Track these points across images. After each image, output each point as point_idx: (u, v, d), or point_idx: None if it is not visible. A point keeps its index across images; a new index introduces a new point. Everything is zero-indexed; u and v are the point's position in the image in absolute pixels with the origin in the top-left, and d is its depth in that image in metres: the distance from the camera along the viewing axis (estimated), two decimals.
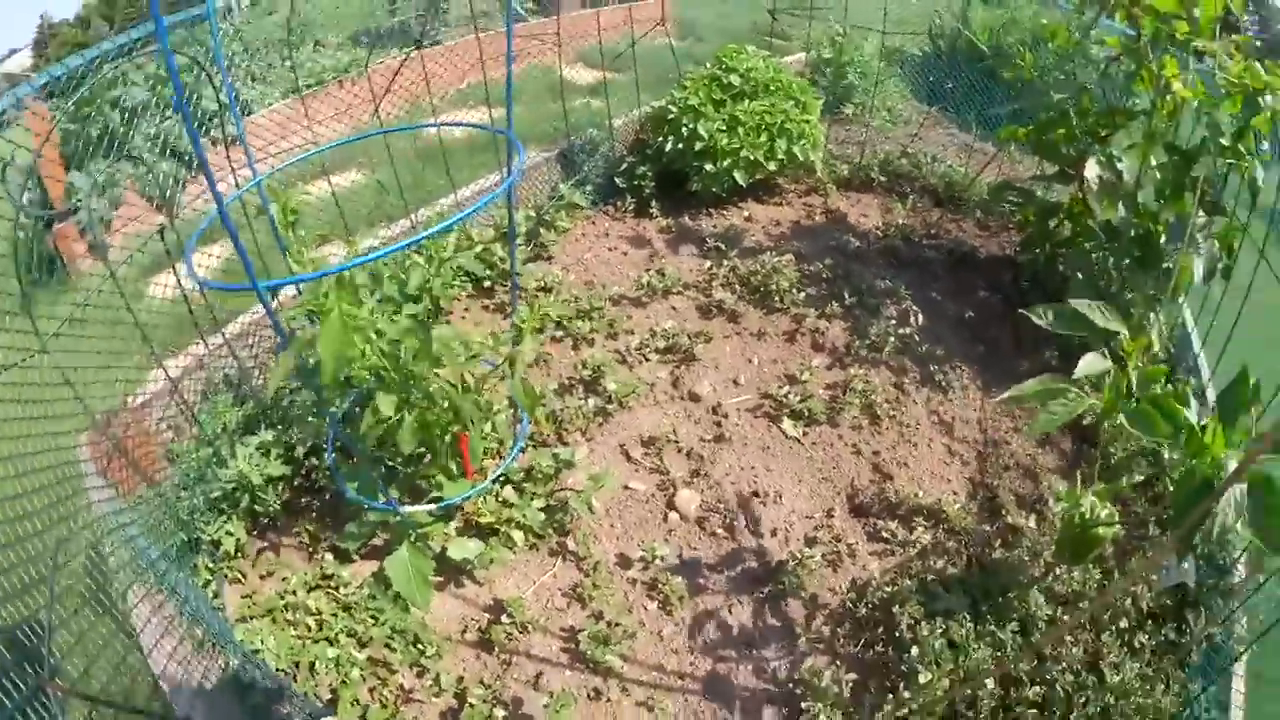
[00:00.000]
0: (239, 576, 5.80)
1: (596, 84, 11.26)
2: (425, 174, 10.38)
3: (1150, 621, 5.22)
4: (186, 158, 9.85)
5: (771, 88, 9.27)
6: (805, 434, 6.67)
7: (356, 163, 10.99)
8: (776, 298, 7.79)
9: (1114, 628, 5.12)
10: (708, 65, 9.71)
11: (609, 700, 5.12)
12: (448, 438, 5.43)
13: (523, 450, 6.22)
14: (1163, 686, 4.78)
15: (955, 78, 11.76)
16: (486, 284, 8.17)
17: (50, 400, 4.87)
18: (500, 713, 4.97)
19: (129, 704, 4.02)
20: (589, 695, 5.17)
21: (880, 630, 5.31)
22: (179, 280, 6.05)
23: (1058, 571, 5.40)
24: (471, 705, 4.95)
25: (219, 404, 6.59)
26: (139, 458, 5.91)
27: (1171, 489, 5.80)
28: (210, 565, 5.74)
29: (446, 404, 5.11)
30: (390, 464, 5.97)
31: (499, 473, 5.90)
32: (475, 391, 5.24)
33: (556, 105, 9.88)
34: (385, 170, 8.73)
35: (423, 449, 5.59)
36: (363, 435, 5.12)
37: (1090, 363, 4.54)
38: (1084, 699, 4.69)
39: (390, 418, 4.73)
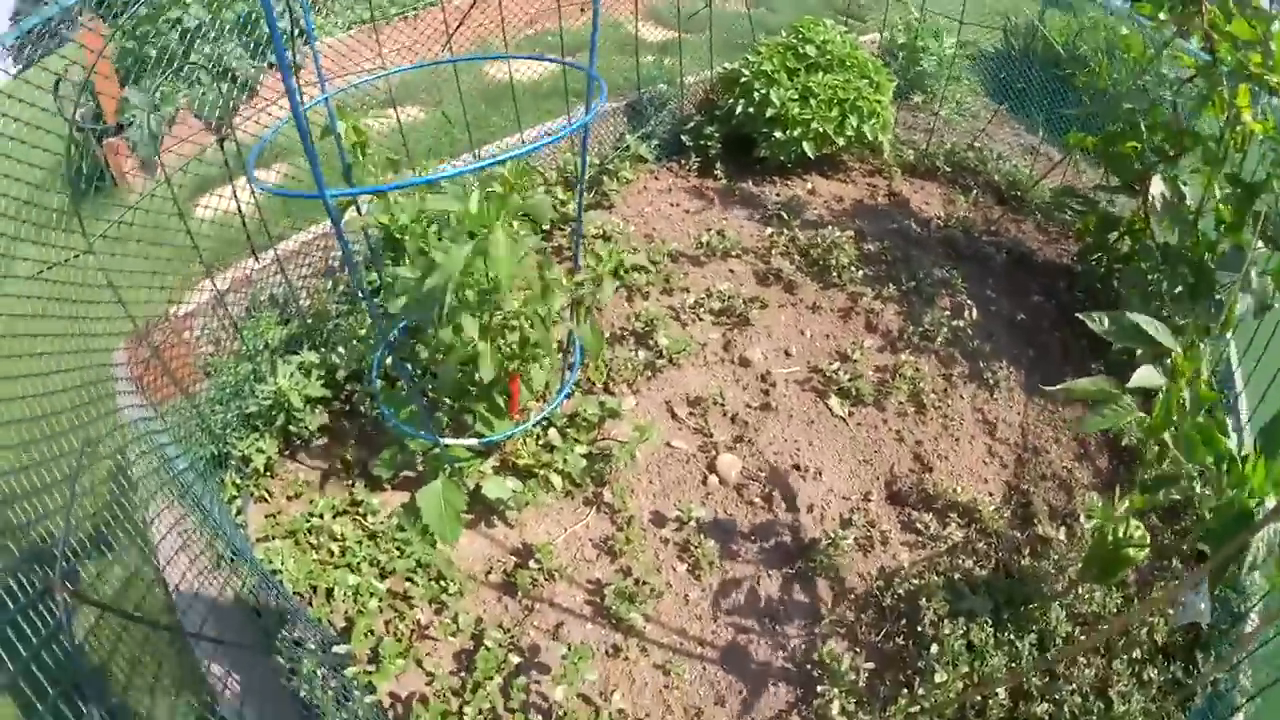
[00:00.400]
0: (265, 495, 5.71)
1: (666, 42, 11.11)
2: (489, 114, 10.19)
3: (1161, 656, 5.08)
4: (243, 81, 9.70)
5: (847, 63, 9.00)
6: (851, 413, 6.50)
7: (419, 98, 10.80)
8: (834, 273, 7.60)
9: (1126, 656, 4.99)
10: (782, 34, 9.44)
11: (627, 658, 5.00)
12: (504, 376, 5.28)
13: (568, 395, 6.04)
14: None
15: (1027, 78, 11.47)
16: (546, 226, 7.98)
17: (91, 302, 4.76)
18: (515, 659, 4.84)
19: (138, 614, 3.87)
20: (607, 651, 5.05)
21: (903, 622, 5.18)
22: (234, 194, 5.95)
23: (1080, 590, 5.25)
24: (487, 648, 4.83)
25: (263, 321, 6.46)
26: (176, 368, 5.79)
27: (1207, 519, 5.58)
28: (237, 482, 5.66)
29: (518, 335, 4.95)
30: (433, 396, 5.83)
31: (546, 413, 5.75)
32: (545, 327, 5.04)
33: (624, 59, 9.72)
34: (449, 106, 8.55)
35: (470, 384, 5.43)
36: (431, 358, 4.97)
37: (1146, 375, 4.36)
38: None
39: (473, 341, 4.53)
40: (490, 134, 9.30)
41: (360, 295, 4.20)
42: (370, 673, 4.64)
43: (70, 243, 4.62)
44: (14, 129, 4.31)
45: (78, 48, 7.65)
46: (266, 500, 5.72)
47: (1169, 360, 4.73)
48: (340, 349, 6.20)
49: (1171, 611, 5.02)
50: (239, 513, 5.55)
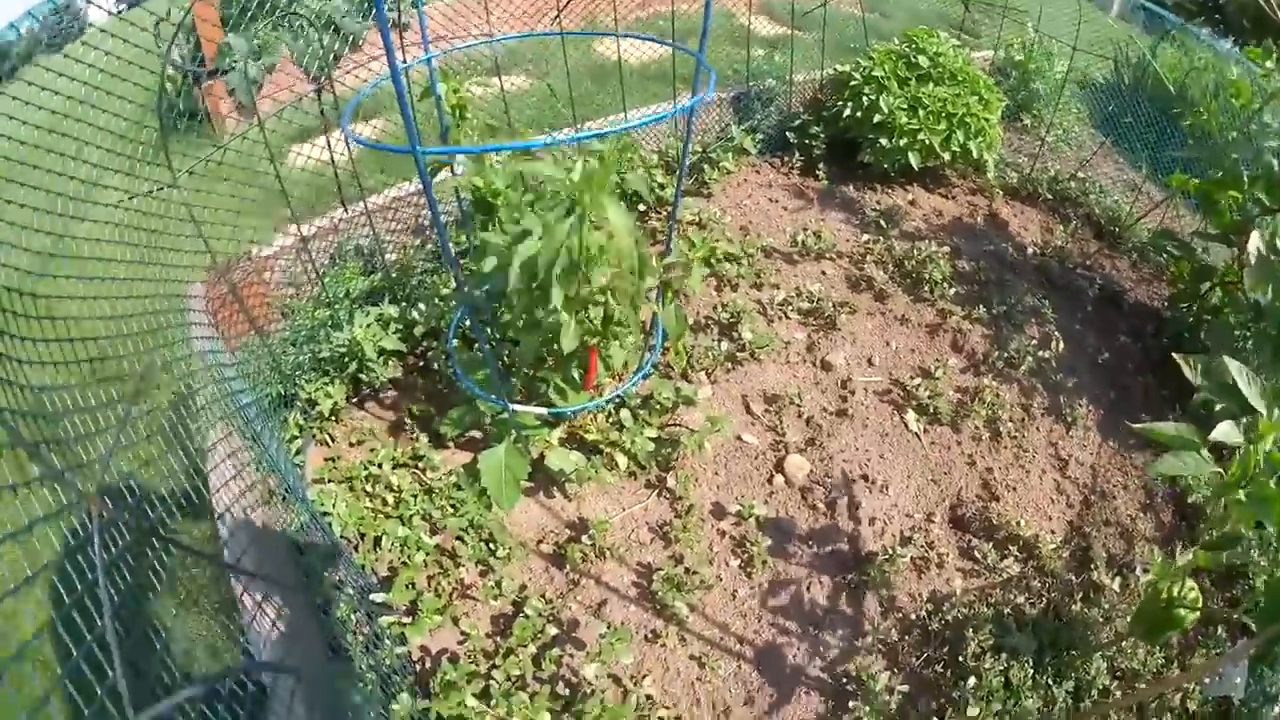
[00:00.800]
0: (327, 440, 5.68)
1: (777, 37, 10.92)
2: (594, 91, 10.07)
3: None
4: (346, 34, 9.65)
5: (958, 77, 8.80)
6: (926, 431, 6.32)
7: (525, 68, 10.69)
8: (926, 287, 7.41)
9: None
10: (895, 41, 9.24)
11: (664, 645, 4.90)
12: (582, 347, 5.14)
13: (645, 377, 5.93)
14: None
15: (1135, 112, 11.14)
16: (642, 208, 7.87)
17: (173, 234, 4.75)
18: (553, 630, 4.76)
19: (176, 536, 3.80)
20: (646, 636, 4.95)
21: (945, 649, 5.02)
22: (329, 144, 5.89)
23: (1124, 645, 5.08)
24: (526, 615, 4.74)
25: (347, 270, 6.44)
26: (253, 306, 5.77)
27: (1259, 591, 5.48)
28: (300, 423, 5.63)
29: (602, 311, 4.83)
30: (508, 362, 5.76)
31: (621, 391, 5.65)
32: (633, 305, 4.91)
33: (734, 50, 9.61)
34: (555, 79, 8.45)
35: (548, 353, 5.35)
36: (512, 324, 4.87)
37: (1227, 431, 4.14)
38: None
39: (556, 310, 4.38)
40: (594, 110, 9.22)
41: (445, 257, 4.07)
42: (405, 624, 4.57)
43: (159, 176, 4.59)
44: (114, 65, 4.30)
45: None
46: (328, 445, 5.68)
47: (1250, 419, 4.53)
48: (421, 305, 6.15)
49: (1207, 681, 4.85)
50: (298, 453, 5.52)
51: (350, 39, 9.65)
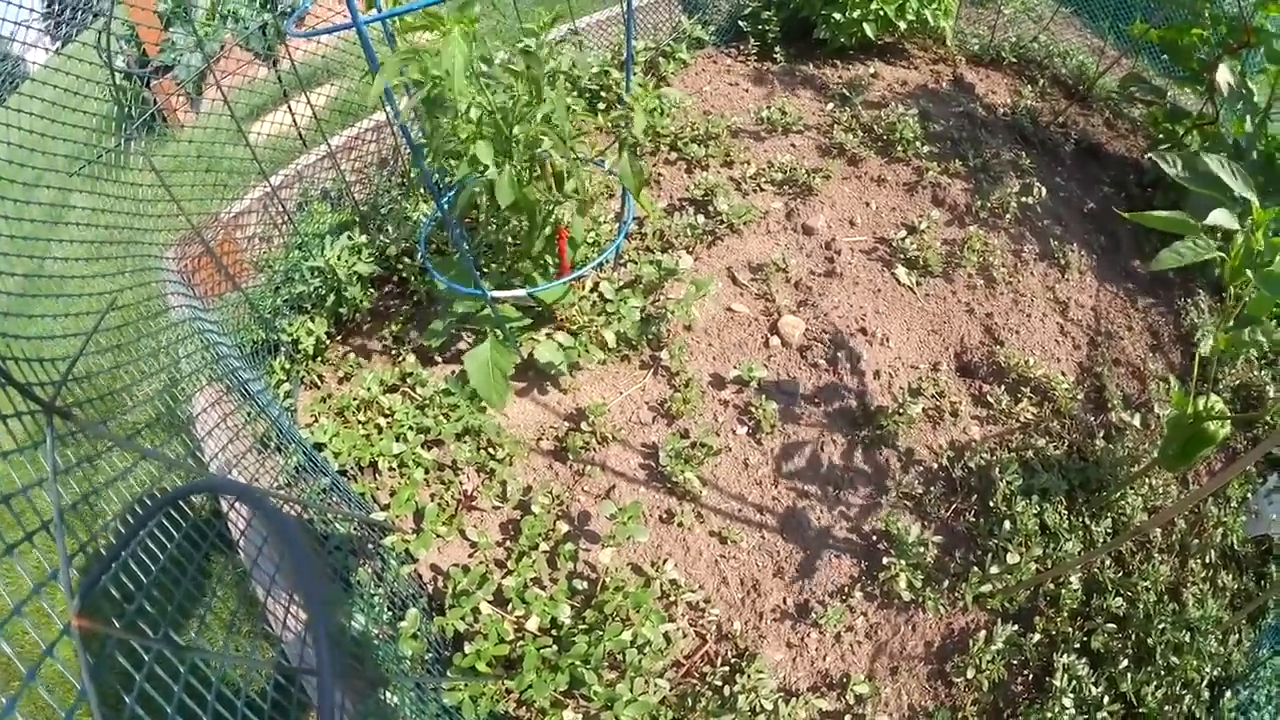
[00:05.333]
0: (316, 380, 5.53)
1: None
2: (541, 10, 9.86)
3: (1235, 564, 4.77)
4: (284, 8, 9.48)
5: None
6: (919, 284, 6.11)
7: None
8: (899, 148, 7.17)
9: (1202, 559, 4.69)
10: None
11: (681, 524, 4.69)
12: (547, 228, 4.93)
13: (619, 252, 5.77)
14: (1235, 637, 4.32)
15: None
16: (602, 107, 7.56)
17: (145, 215, 4.66)
18: (564, 526, 4.58)
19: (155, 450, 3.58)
20: (661, 517, 4.76)
21: (974, 498, 4.86)
22: (289, 107, 5.84)
23: (1155, 484, 4.94)
24: (534, 514, 4.56)
25: (315, 211, 6.32)
26: (229, 264, 5.69)
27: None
28: (287, 367, 5.47)
29: (550, 172, 4.63)
30: (482, 266, 5.52)
31: (598, 261, 5.41)
32: (581, 186, 4.69)
33: None
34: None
35: (516, 243, 5.16)
36: (466, 211, 4.66)
37: (1221, 216, 3.92)
38: (1163, 625, 4.23)
39: (487, 166, 4.17)
40: (543, 24, 8.97)
41: (406, 141, 3.92)
42: (409, 541, 4.36)
43: (129, 179, 4.57)
44: (65, 97, 4.18)
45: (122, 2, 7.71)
46: (317, 385, 5.52)
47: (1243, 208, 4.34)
48: (390, 227, 6.05)
49: (1244, 519, 4.76)
50: (288, 396, 5.34)
51: (293, 10, 9.42)
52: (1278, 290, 3.60)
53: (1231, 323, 4.10)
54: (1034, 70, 8.97)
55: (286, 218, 6.03)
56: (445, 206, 4.59)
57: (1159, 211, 4.08)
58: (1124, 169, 7.65)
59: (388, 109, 3.78)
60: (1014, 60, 9.04)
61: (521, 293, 4.99)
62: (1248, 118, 6.09)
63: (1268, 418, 5.27)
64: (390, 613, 4.08)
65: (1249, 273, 3.81)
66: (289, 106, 5.80)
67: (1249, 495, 4.99)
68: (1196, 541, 4.75)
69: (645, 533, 4.53)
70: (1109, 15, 9.87)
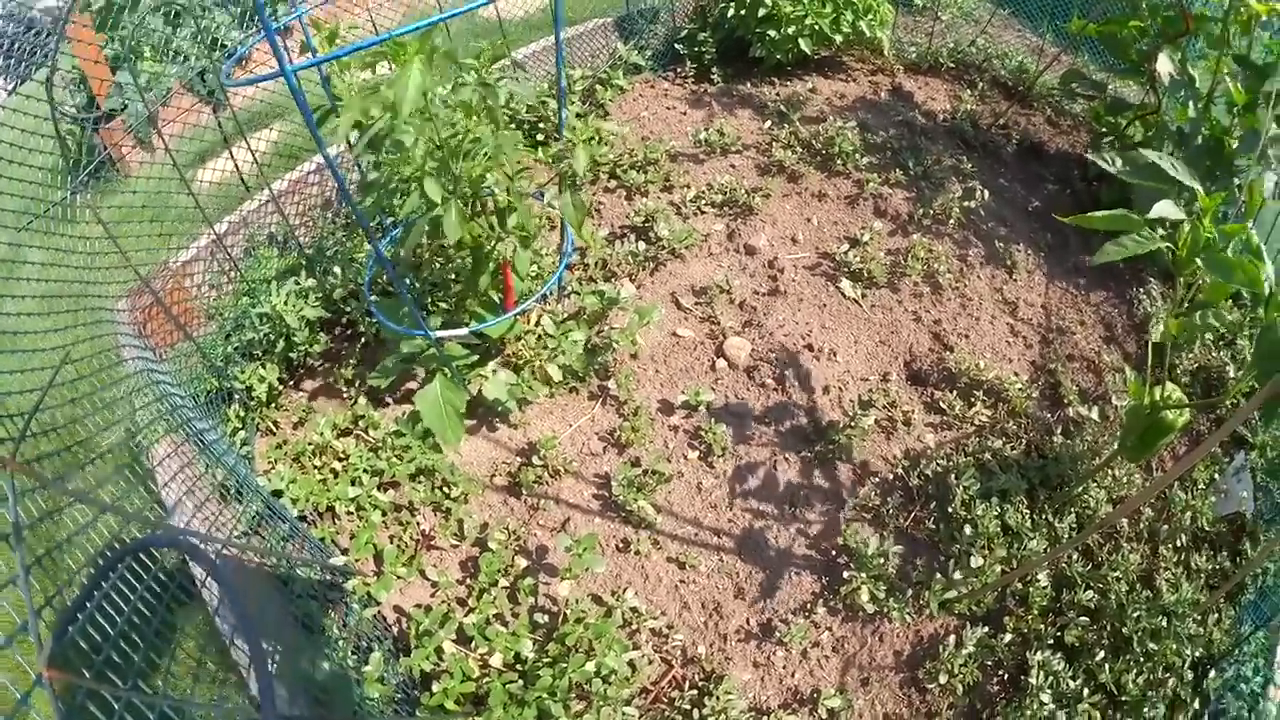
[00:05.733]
0: (271, 428, 5.48)
1: None
2: (481, 48, 9.92)
3: (1207, 545, 4.78)
4: (231, 50, 9.52)
5: None
6: (864, 296, 6.11)
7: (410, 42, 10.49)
8: (839, 161, 7.17)
9: (1172, 544, 4.69)
10: None
11: (638, 553, 4.67)
12: (491, 264, 4.89)
13: (561, 282, 5.75)
14: (1215, 617, 4.32)
15: None
16: (540, 137, 7.56)
17: (97, 268, 4.69)
18: (522, 561, 4.55)
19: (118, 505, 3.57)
20: (618, 546, 4.73)
21: (933, 505, 4.85)
22: (230, 154, 5.98)
23: (1118, 474, 4.94)
24: (492, 551, 4.52)
25: (261, 256, 6.28)
26: (179, 313, 5.60)
27: (1250, 352, 5.26)
28: (241, 414, 5.40)
29: (493, 209, 4.62)
30: (428, 304, 5.52)
31: (541, 293, 5.39)
32: (525, 221, 4.69)
33: None
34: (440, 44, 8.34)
35: (459, 282, 5.18)
36: (412, 250, 4.73)
37: (1165, 207, 3.92)
38: (1138, 614, 4.22)
39: (435, 204, 4.16)
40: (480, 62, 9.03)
41: (337, 183, 3.90)
42: (369, 584, 4.31)
43: (79, 231, 4.60)
44: (14, 137, 4.24)
45: (68, 52, 7.68)
46: (273, 432, 5.46)
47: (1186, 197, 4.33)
48: (336, 269, 5.98)
49: (1213, 500, 4.78)
50: (244, 444, 5.28)
51: (234, 53, 9.45)
52: (1229, 275, 3.59)
53: (1183, 308, 4.11)
54: (973, 74, 9.02)
55: (233, 265, 6.01)
56: (384, 248, 4.59)
57: (1101, 212, 4.09)
58: (1067, 165, 7.70)
59: (323, 152, 3.76)
60: (952, 65, 9.11)
61: (464, 332, 4.97)
62: (1190, 104, 6.15)
63: (1229, 400, 5.28)
64: (355, 656, 4.04)
65: (1199, 260, 3.81)
66: (230, 154, 5.84)
67: (1215, 476, 5.01)
68: (1165, 527, 4.75)
69: (603, 563, 4.51)
70: (1047, 14, 9.95)
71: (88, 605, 2.01)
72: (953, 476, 4.81)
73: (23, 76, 6.20)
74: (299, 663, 4.04)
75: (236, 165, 5.88)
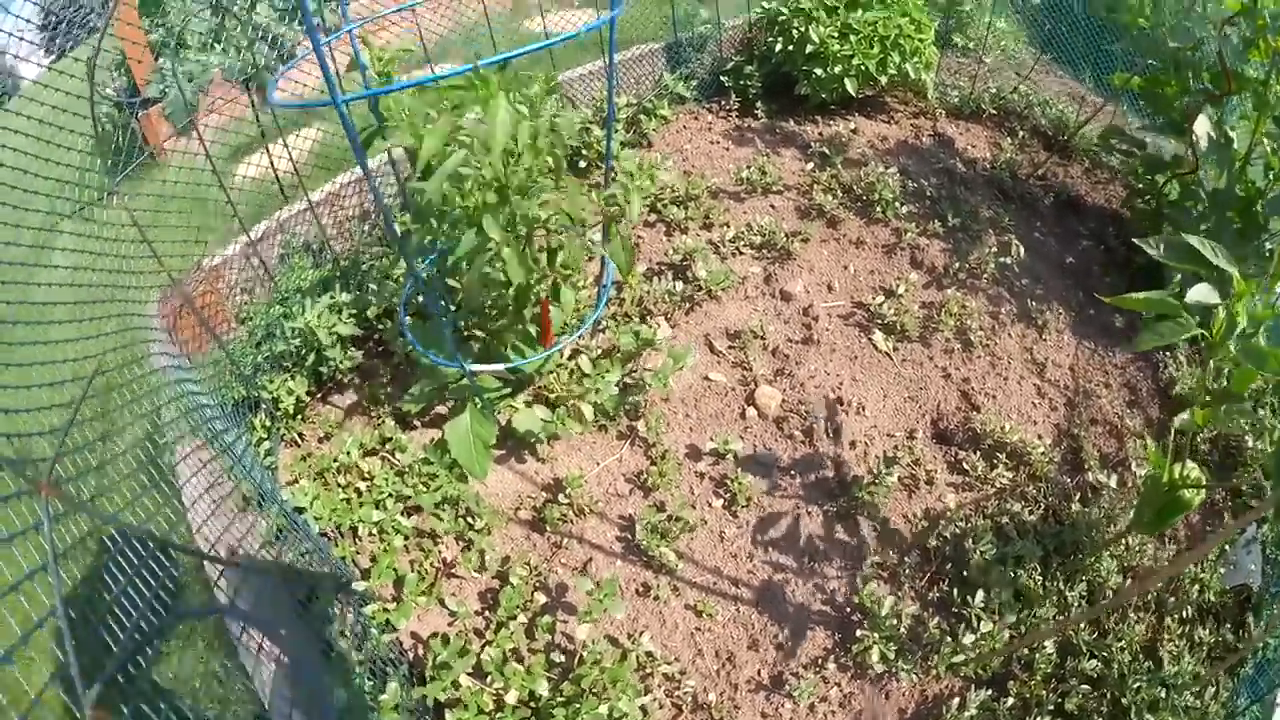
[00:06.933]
0: (296, 439, 5.47)
1: None
2: (526, 64, 9.89)
3: (1212, 617, 4.74)
4: (279, 45, 9.48)
5: (887, 1, 8.52)
6: (896, 349, 6.09)
7: (455, 55, 10.47)
8: (879, 208, 7.15)
9: (1178, 615, 4.66)
10: None
11: (657, 598, 4.67)
12: (533, 299, 4.91)
13: (599, 321, 5.75)
14: (1213, 690, 4.30)
15: (1070, 21, 10.93)
16: (582, 165, 7.58)
17: (128, 256, 4.61)
18: (542, 597, 4.56)
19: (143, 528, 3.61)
20: (637, 590, 4.73)
21: (949, 566, 4.84)
22: (268, 150, 5.94)
23: (1131, 541, 4.93)
24: (512, 585, 4.51)
25: (296, 266, 6.25)
26: (209, 316, 5.63)
27: (1268, 451, 5.40)
28: (268, 424, 5.40)
29: (544, 245, 4.62)
30: (466, 331, 5.50)
31: (579, 334, 5.41)
32: (574, 260, 4.70)
33: (666, 8, 9.25)
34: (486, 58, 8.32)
35: (497, 313, 5.08)
36: (455, 273, 4.73)
37: (1202, 292, 3.92)
38: (1138, 684, 4.22)
39: (495, 242, 4.13)
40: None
41: (376, 202, 3.92)
42: (389, 610, 4.33)
43: (110, 216, 4.54)
44: (54, 115, 4.21)
45: (110, 33, 7.63)
46: (298, 444, 5.45)
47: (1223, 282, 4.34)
48: (373, 286, 5.96)
49: (1222, 571, 4.76)
50: (268, 454, 5.27)
51: (281, 50, 9.41)
52: (1262, 364, 3.60)
53: (1212, 392, 4.11)
54: (1014, 121, 8.98)
55: (266, 271, 6.00)
56: (423, 277, 4.59)
57: (1140, 294, 4.09)
58: (1103, 221, 7.66)
59: (371, 186, 3.76)
60: (994, 112, 9.06)
61: (500, 368, 4.97)
62: (1225, 167, 6.07)
63: (1248, 474, 5.29)
64: (371, 681, 4.05)
65: (1231, 346, 3.82)
66: (269, 155, 5.86)
67: (1226, 547, 4.97)
68: (1173, 599, 4.72)
69: (622, 608, 4.48)
70: (1089, 62, 9.90)
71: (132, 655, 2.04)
72: (970, 540, 4.81)
73: (62, 50, 6.14)
74: (318, 686, 4.08)
75: (275, 170, 5.89)
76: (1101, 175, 8.35)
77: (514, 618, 4.40)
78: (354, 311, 5.75)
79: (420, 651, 4.41)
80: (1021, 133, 8.66)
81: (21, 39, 4.34)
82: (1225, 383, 4.12)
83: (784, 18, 8.53)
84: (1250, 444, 5.55)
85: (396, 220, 5.09)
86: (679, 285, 6.26)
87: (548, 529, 4.92)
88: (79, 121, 4.36)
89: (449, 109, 3.93)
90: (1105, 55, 9.54)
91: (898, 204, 7.17)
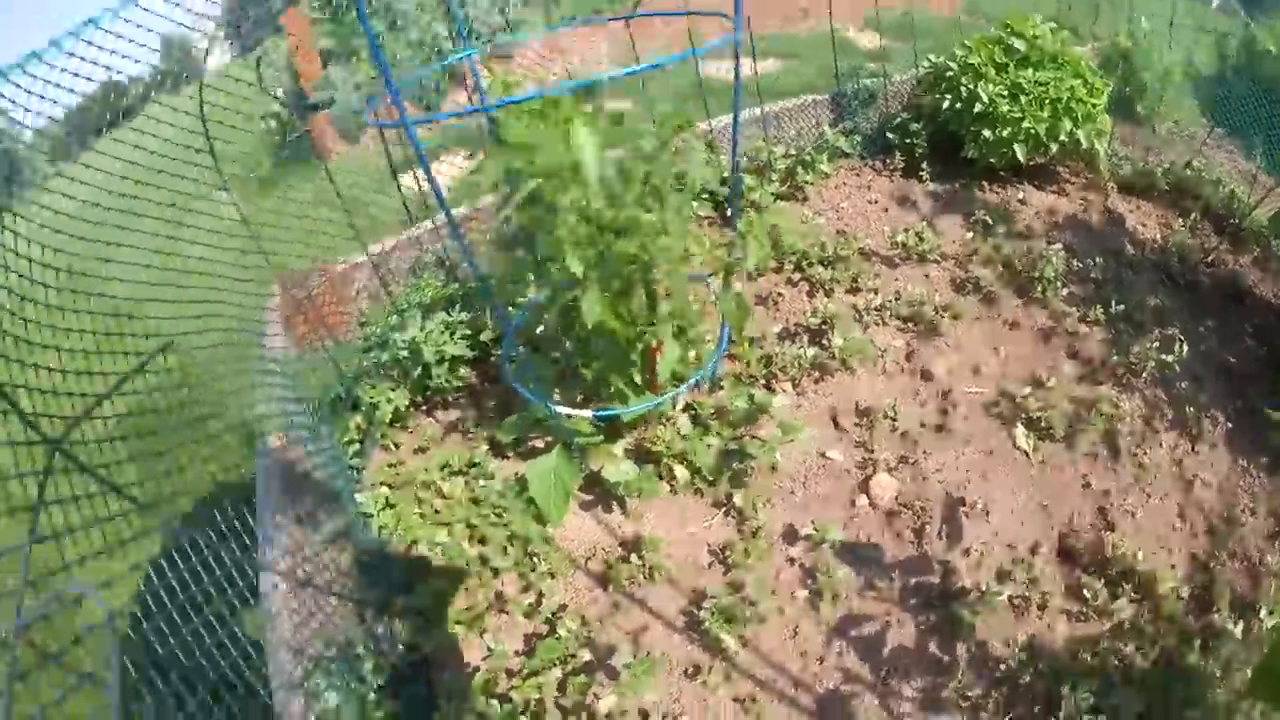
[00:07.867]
0: (392, 444, 5.44)
1: (877, 50, 10.34)
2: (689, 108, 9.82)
3: None
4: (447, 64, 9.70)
5: (1059, 60, 8.06)
6: (1036, 448, 5.60)
7: (623, 92, 10.37)
8: (1039, 287, 6.68)
9: None
10: (991, 29, 8.52)
11: (705, 683, 4.32)
12: (639, 348, 4.63)
13: (713, 378, 5.47)
14: None
15: (1245, 97, 10.33)
16: (728, 211, 7.21)
17: (261, 252, 4.99)
18: (586, 654, 4.33)
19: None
20: (686, 670, 4.38)
21: (1037, 709, 4.33)
22: (422, 161, 5.91)
23: (1244, 706, 4.35)
24: (558, 637, 4.31)
25: (424, 280, 6.36)
26: (328, 315, 5.83)
27: None
28: (362, 426, 5.46)
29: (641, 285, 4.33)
30: (574, 368, 5.33)
31: (683, 389, 5.14)
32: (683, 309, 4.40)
33: (840, 61, 8.97)
34: (658, 100, 8.16)
35: (601, 353, 4.86)
36: (550, 308, 4.56)
37: None
38: None
39: (578, 278, 3.91)
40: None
41: (453, 234, 3.79)
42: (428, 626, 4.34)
43: (271, 205, 4.96)
44: (234, 102, 4.56)
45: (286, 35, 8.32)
46: (393, 449, 5.43)
47: None
48: (488, 311, 5.88)
49: None
50: (357, 455, 5.30)
51: (448, 70, 9.56)
52: None
53: None
54: (1185, 200, 8.52)
55: (393, 281, 6.16)
56: (519, 321, 4.44)
57: None
58: (1269, 316, 7.12)
59: (450, 222, 3.63)
60: (1166, 188, 8.59)
61: (588, 414, 4.78)
62: None
63: None
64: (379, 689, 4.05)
65: None
66: (415, 176, 6.05)
67: None
68: None
69: (657, 690, 4.23)
70: (1261, 139, 9.32)
71: None
72: (1068, 685, 4.29)
73: (247, 46, 6.30)
74: None
75: (418, 182, 6.00)
76: (1273, 266, 7.80)
77: (549, 668, 4.24)
78: (468, 332, 5.72)
79: (445, 676, 4.32)
80: (1194, 213, 8.11)
81: (204, 32, 4.53)
82: None
83: (952, 73, 8.19)
84: None
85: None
86: (812, 351, 5.94)
87: (612, 586, 4.67)
88: (239, 118, 4.59)
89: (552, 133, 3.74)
90: (1278, 131, 9.00)
91: (1059, 285, 6.71)
